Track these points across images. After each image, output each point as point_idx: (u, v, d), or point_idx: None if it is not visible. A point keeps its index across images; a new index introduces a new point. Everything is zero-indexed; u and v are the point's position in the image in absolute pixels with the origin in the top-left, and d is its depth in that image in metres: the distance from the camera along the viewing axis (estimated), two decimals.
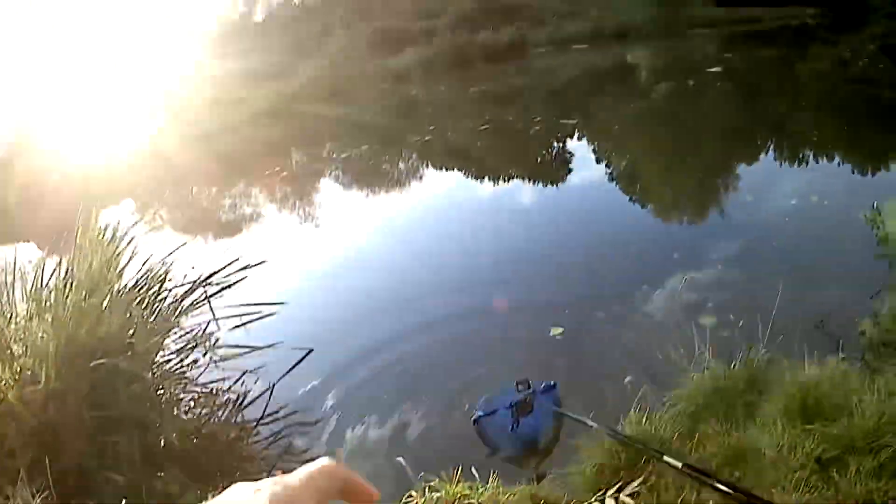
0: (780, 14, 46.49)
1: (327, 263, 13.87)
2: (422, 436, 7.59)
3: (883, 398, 5.16)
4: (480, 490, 4.98)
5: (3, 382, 6.69)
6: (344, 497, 0.96)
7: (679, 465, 4.41)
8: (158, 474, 6.72)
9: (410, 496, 5.01)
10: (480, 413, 7.41)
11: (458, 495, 4.85)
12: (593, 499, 5.07)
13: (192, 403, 8.60)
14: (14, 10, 39.57)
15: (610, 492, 5.07)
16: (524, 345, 9.03)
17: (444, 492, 4.90)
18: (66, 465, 6.25)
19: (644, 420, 5.75)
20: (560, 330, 9.03)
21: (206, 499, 0.88)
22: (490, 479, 5.16)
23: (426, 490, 4.97)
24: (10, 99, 31.49)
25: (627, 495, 4.99)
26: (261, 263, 9.31)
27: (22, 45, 37.67)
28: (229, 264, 9.01)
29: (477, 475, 5.20)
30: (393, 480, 6.57)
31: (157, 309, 8.53)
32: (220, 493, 0.89)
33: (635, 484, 5.07)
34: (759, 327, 6.85)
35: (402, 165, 23.70)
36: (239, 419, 8.53)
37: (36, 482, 5.82)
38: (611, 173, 18.64)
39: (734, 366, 6.39)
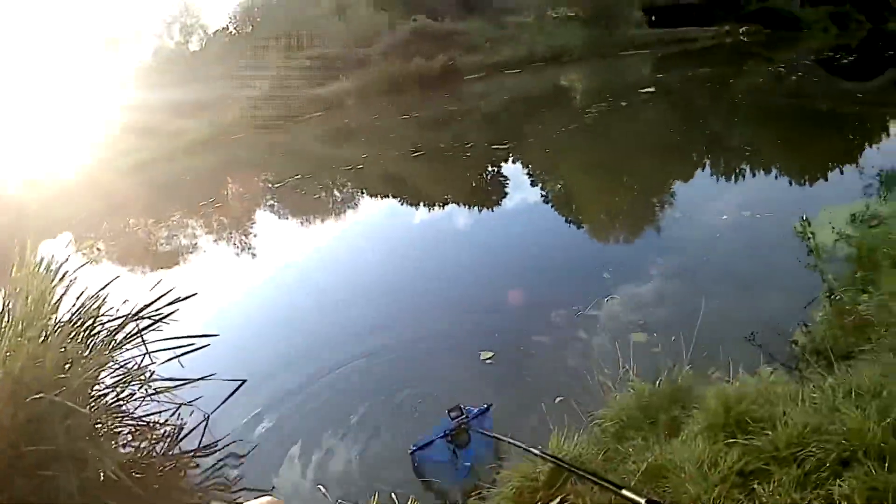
0: (714, 33, 47.09)
1: (261, 293, 13.92)
2: (351, 463, 7.65)
3: (809, 408, 5.22)
4: None
5: None
6: None
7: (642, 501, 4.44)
8: None
9: None
10: (415, 446, 7.42)
11: None
12: None
13: (129, 437, 8.67)
14: None
15: None
16: (456, 370, 9.02)
17: None
18: (3, 500, 6.32)
19: (563, 441, 5.77)
20: (490, 354, 9.14)
21: None
22: None
23: None
24: None
25: None
26: (192, 296, 9.33)
27: None
28: (161, 297, 9.01)
29: (396, 501, 5.22)
30: None
31: (92, 343, 8.53)
32: None
33: None
34: (689, 342, 6.91)
35: (336, 193, 23.72)
36: (176, 451, 8.57)
37: None
38: (545, 195, 18.79)
39: (658, 383, 6.44)
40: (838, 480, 4.46)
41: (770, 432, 5.02)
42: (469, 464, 7.05)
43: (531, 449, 5.37)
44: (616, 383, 6.77)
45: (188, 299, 9.20)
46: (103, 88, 41.33)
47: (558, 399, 7.37)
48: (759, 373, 6.60)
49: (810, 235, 9.38)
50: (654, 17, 52.32)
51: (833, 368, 6.08)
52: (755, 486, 4.70)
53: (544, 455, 5.23)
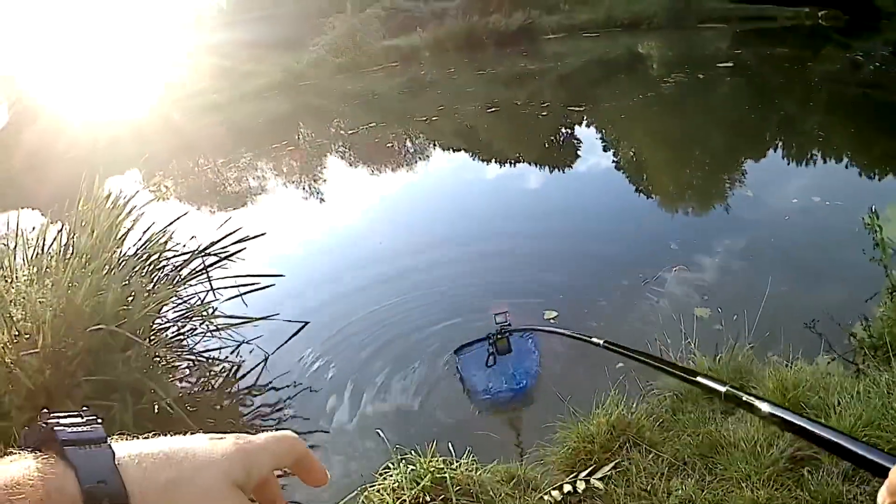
0: (793, 14, 46.23)
1: (328, 238, 14.00)
2: (407, 408, 7.73)
3: (863, 400, 5.22)
4: (454, 465, 5.04)
5: (2, 346, 6.79)
6: (296, 470, 1.02)
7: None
8: None
9: (387, 468, 5.08)
10: (460, 347, 7.82)
11: (434, 469, 4.91)
12: (566, 480, 5.15)
13: (187, 371, 8.80)
14: None
15: (582, 474, 5.16)
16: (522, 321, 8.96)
17: (418, 466, 4.97)
18: None
19: (622, 406, 5.78)
20: (555, 314, 9.11)
21: None
22: (465, 455, 5.21)
23: (401, 463, 5.03)
24: (16, 66, 31.43)
25: (599, 479, 5.08)
26: (260, 235, 9.46)
27: (30, 14, 37.56)
28: (228, 235, 9.14)
29: (453, 450, 5.26)
30: (373, 451, 6.67)
31: (156, 277, 8.68)
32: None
33: (607, 469, 5.16)
34: (752, 322, 6.91)
35: (408, 144, 23.65)
36: (234, 388, 8.69)
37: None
38: (616, 162, 18.62)
39: (718, 359, 6.44)
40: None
41: (823, 421, 5.03)
42: (512, 375, 7.42)
43: (595, 340, 5.26)
44: (677, 355, 6.76)
45: (256, 239, 9.34)
46: (176, 27, 41.45)
47: (619, 365, 7.22)
48: (816, 361, 6.60)
49: (878, 229, 9.24)
50: None
51: (890, 364, 6.03)
52: (804, 472, 4.71)
53: (608, 346, 5.15)
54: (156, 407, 7.09)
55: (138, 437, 0.89)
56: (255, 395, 8.47)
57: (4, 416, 6.39)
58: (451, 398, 7.71)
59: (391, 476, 4.98)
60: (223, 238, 9.11)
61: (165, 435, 0.93)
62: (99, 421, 0.88)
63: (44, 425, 0.86)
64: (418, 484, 4.81)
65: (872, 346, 7.18)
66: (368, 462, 6.34)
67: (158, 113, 27.86)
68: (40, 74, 30.32)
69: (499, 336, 7.42)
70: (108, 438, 0.87)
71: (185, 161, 23.14)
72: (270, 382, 8.58)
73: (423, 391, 7.92)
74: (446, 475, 4.85)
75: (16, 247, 8.35)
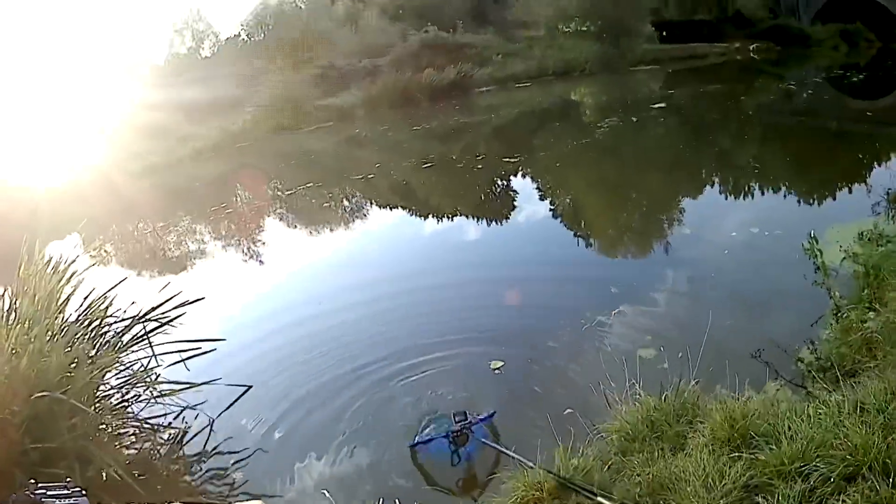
0: (724, 49, 47.13)
1: (268, 301, 13.83)
2: (355, 468, 7.67)
3: (814, 423, 5.20)
4: None
5: None
6: None
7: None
8: None
9: None
10: (416, 440, 7.61)
11: None
12: None
13: (133, 438, 8.62)
14: None
15: None
16: (465, 378, 9.01)
17: None
18: (3, 496, 6.16)
19: (568, 454, 5.74)
20: (500, 363, 9.13)
21: None
22: None
23: None
24: None
25: None
26: (199, 300, 9.36)
27: None
28: (168, 300, 9.03)
29: None
30: None
31: (99, 344, 8.55)
32: None
33: None
34: (696, 358, 6.89)
35: (345, 202, 23.67)
36: (181, 454, 8.53)
37: None
38: (554, 209, 18.72)
39: (664, 397, 6.42)
40: (842, 496, 4.45)
41: (775, 447, 5.00)
42: (469, 453, 7.29)
43: (530, 464, 5.33)
44: (622, 397, 6.75)
45: (195, 303, 9.21)
46: (114, 89, 41.38)
47: (566, 411, 7.32)
48: (765, 389, 6.61)
49: (818, 253, 9.32)
50: (664, 33, 52.22)
51: (839, 385, 6.05)
52: (759, 500, 4.68)
53: (548, 471, 5.20)
54: (104, 475, 6.94)
55: None
56: (204, 461, 8.35)
57: None
58: (399, 456, 7.67)
59: None
60: (163, 303, 9.01)
61: None
62: (83, 493, 0.91)
63: (29, 496, 0.89)
64: None
65: (821, 369, 7.31)
66: None
67: (97, 174, 27.71)
68: None
69: (458, 434, 7.36)
70: None
71: (124, 225, 23.03)
72: (217, 447, 8.50)
73: (370, 450, 7.90)
74: None
75: None
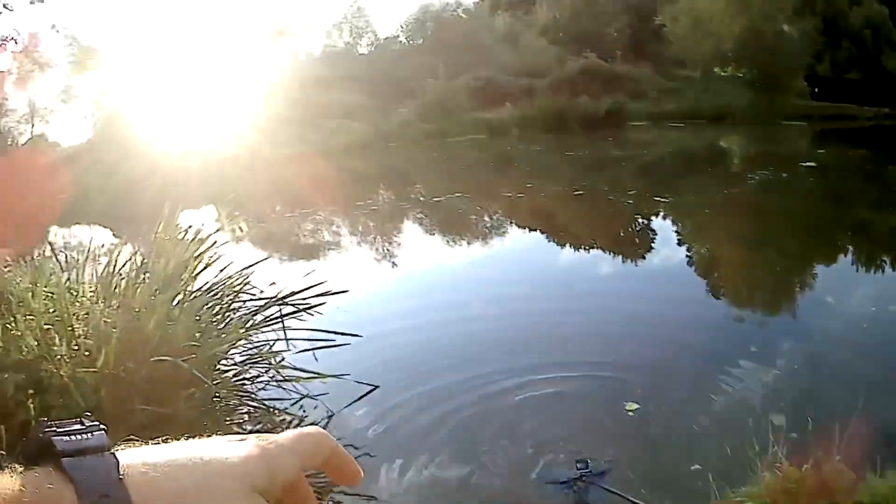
0: (873, 114, 45.98)
1: (404, 304, 13.62)
2: (471, 493, 7.27)
3: None
4: None
5: (59, 357, 6.70)
6: (326, 469, 0.91)
7: None
8: None
9: None
10: (539, 475, 7.25)
11: None
12: None
13: (246, 417, 8.54)
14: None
15: None
16: (597, 416, 8.58)
17: None
18: None
19: None
20: (635, 406, 8.59)
21: None
22: None
23: None
24: (110, 84, 31.93)
25: None
26: (343, 292, 9.27)
27: (134, 46, 38.38)
28: (310, 287, 8.89)
29: None
30: None
31: (229, 318, 8.54)
32: None
33: None
34: (833, 432, 6.39)
35: (489, 218, 23.45)
36: None
37: None
38: (691, 255, 18.17)
39: (805, 470, 5.94)
40: None
41: None
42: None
43: None
44: (761, 463, 6.27)
45: (338, 294, 9.12)
46: (269, 77, 41.90)
47: (694, 467, 6.88)
48: None
49: None
50: (816, 89, 51.26)
51: None
52: None
53: None
54: None
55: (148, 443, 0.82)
56: None
57: None
58: (515, 485, 7.26)
59: None
60: (304, 289, 8.86)
61: None
62: (102, 428, 0.82)
63: (40, 435, 0.77)
64: None
65: None
66: None
67: (242, 157, 27.96)
68: (132, 97, 30.70)
69: (577, 480, 7.04)
70: (113, 447, 0.78)
71: (263, 206, 23.10)
72: None
73: (490, 480, 7.42)
74: None
75: (85, 262, 8.42)
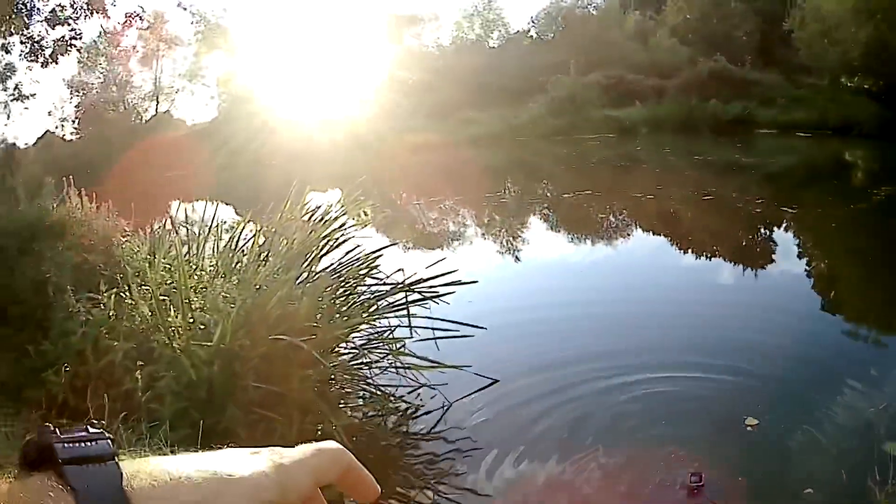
0: None
1: (527, 298, 13.42)
2: (583, 490, 6.94)
3: None
4: None
5: (173, 329, 6.81)
6: (341, 484, 0.88)
7: None
8: None
9: None
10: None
11: None
12: None
13: (360, 401, 8.58)
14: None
15: None
16: (715, 425, 8.19)
17: None
18: (212, 426, 6.26)
19: None
20: (755, 422, 8.17)
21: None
22: None
23: None
24: (237, 66, 32.46)
25: None
26: (472, 282, 9.16)
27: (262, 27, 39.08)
28: (438, 276, 8.72)
29: None
30: None
31: (352, 301, 8.48)
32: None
33: None
34: None
35: (614, 217, 23.11)
36: (405, 429, 8.34)
37: (178, 433, 5.91)
38: (810, 269, 17.53)
39: None
40: None
41: None
42: None
43: None
44: (873, 493, 5.92)
45: (467, 285, 9.01)
46: (398, 66, 42.09)
47: (806, 491, 6.52)
48: None
49: None
50: None
51: None
52: None
53: None
54: (319, 430, 6.91)
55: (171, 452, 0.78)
56: (427, 441, 7.99)
57: (156, 399, 6.38)
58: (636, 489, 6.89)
59: None
60: (432, 277, 8.69)
61: None
62: (108, 437, 0.77)
63: (42, 440, 0.74)
64: None
65: None
66: None
67: (367, 141, 28.04)
68: (259, 78, 31.08)
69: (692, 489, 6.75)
70: (117, 456, 0.74)
71: (389, 192, 23.05)
72: (443, 432, 8.08)
73: (607, 480, 7.07)
74: None
75: (206, 237, 8.54)
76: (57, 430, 0.73)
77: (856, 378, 9.30)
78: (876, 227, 21.19)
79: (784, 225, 21.97)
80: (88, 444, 0.72)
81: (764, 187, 27.48)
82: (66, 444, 0.71)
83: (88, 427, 0.74)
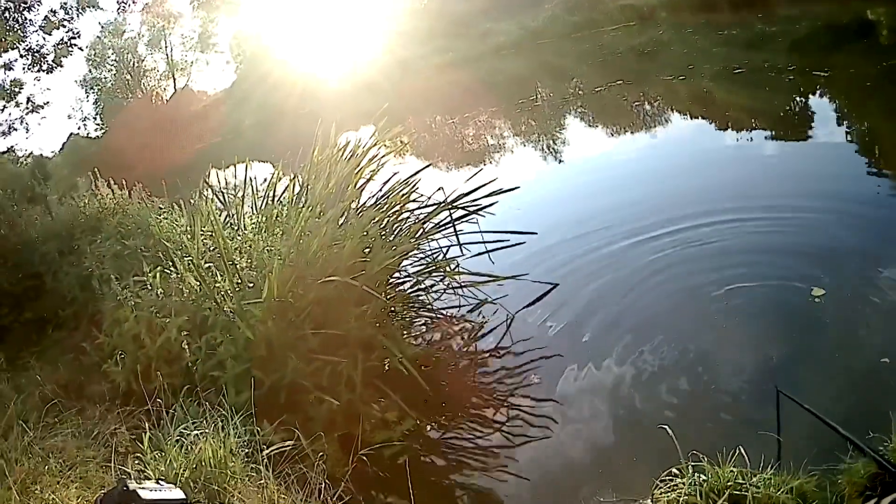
0: None
1: (574, 199, 13.17)
2: (662, 391, 6.58)
3: None
4: (754, 479, 3.91)
5: (222, 293, 6.75)
6: None
7: None
8: (379, 399, 6.63)
9: (671, 475, 4.04)
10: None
11: (728, 482, 3.83)
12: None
13: (423, 329, 8.46)
14: None
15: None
16: (779, 300, 7.80)
17: (711, 476, 3.96)
18: (277, 382, 6.23)
19: None
20: (821, 292, 7.78)
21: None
22: (766, 465, 4.06)
23: (691, 470, 3.97)
24: (248, 26, 32.31)
25: None
26: (513, 189, 8.74)
27: None
28: (479, 188, 8.41)
29: (747, 458, 4.12)
30: (652, 451, 5.54)
31: (397, 230, 8.33)
32: None
33: None
34: None
35: (649, 105, 22.63)
36: (472, 349, 8.13)
37: (241, 396, 5.81)
38: (851, 132, 17.00)
39: None
40: None
41: None
42: None
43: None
44: None
45: (508, 192, 8.60)
46: None
47: (883, 360, 6.09)
48: None
49: None
50: None
51: None
52: None
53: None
54: (387, 364, 6.84)
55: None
56: (496, 358, 7.71)
57: (218, 366, 6.31)
58: (705, 388, 6.47)
59: (679, 487, 3.90)
60: (473, 191, 8.37)
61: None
62: (182, 491, 0.98)
63: (125, 488, 1.03)
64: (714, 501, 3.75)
65: None
66: (643, 461, 5.34)
67: (394, 71, 27.76)
68: (270, 30, 30.85)
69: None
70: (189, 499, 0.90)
71: (421, 117, 22.81)
72: (511, 346, 7.82)
73: (688, 377, 6.70)
74: (748, 492, 3.75)
75: (244, 196, 8.50)
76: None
77: None
78: None
79: (819, 90, 21.44)
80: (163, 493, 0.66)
81: (792, 55, 26.88)
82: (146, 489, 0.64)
83: (161, 482, 0.96)
